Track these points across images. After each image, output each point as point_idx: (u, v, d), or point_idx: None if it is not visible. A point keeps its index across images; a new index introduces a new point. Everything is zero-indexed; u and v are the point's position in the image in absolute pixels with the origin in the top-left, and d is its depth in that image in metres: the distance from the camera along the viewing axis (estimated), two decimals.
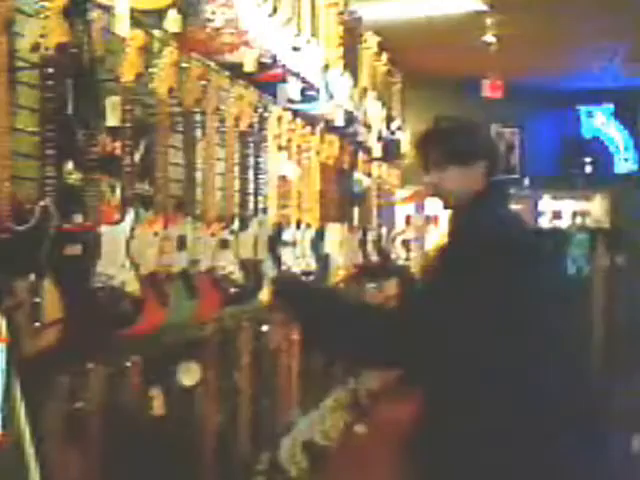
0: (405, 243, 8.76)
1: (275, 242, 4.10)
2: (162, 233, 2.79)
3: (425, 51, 8.99)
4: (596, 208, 12.28)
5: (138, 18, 2.85)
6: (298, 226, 4.48)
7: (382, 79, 7.61)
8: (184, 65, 3.17)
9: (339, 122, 5.46)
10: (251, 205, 3.87)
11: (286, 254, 4.21)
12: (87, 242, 2.32)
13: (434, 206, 10.90)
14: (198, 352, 3.34)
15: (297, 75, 4.39)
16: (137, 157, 3.15)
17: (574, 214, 12.33)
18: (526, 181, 11.58)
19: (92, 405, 2.47)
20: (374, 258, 6.57)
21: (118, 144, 2.73)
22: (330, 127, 5.39)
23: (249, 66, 3.67)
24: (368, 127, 6.45)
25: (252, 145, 3.95)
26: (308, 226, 4.68)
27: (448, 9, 7.53)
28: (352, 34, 6.33)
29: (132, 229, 2.54)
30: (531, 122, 11.40)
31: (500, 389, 2.23)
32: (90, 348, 2.42)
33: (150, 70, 2.89)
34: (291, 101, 4.49)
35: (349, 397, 5.97)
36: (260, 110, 4.01)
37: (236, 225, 3.57)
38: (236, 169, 3.75)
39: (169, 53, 2.96)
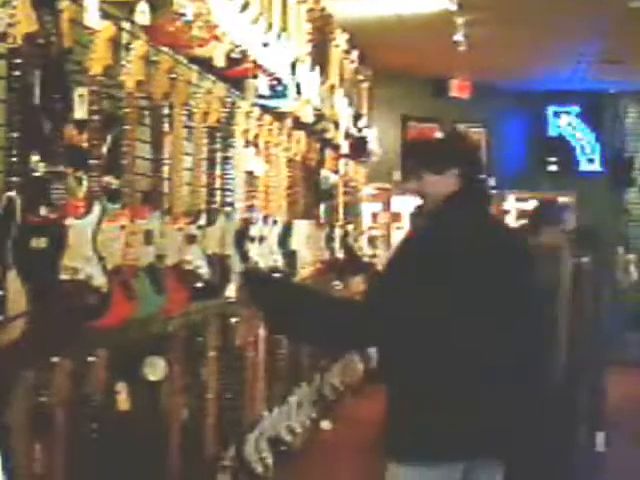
0: (371, 240, 8.78)
1: (242, 237, 4.09)
2: (129, 227, 2.77)
3: (394, 49, 9.01)
4: None
5: (107, 10, 2.83)
6: (265, 222, 4.48)
7: (351, 76, 7.62)
8: (153, 58, 3.15)
9: (307, 119, 5.46)
10: (218, 200, 3.86)
11: (253, 250, 4.20)
12: (53, 235, 2.29)
13: (400, 204, 10.93)
14: (164, 347, 3.32)
15: (266, 71, 4.39)
16: (104, 150, 3.14)
17: None
18: (492, 181, 11.62)
19: (57, 399, 2.45)
20: (341, 255, 6.58)
21: (85, 136, 2.70)
22: (298, 123, 5.38)
23: (219, 61, 3.66)
24: (336, 124, 6.45)
25: (220, 140, 3.94)
26: (275, 222, 4.67)
27: (418, 8, 7.55)
28: (322, 31, 6.33)
29: (99, 222, 2.52)
30: (498, 122, 11.46)
31: (449, 366, 2.60)
32: (56, 342, 2.40)
33: (119, 63, 2.87)
34: (260, 97, 4.49)
35: (315, 393, 5.98)
36: (229, 105, 4.00)
37: (203, 220, 3.55)
38: (204, 164, 3.73)
39: (138, 46, 2.94)
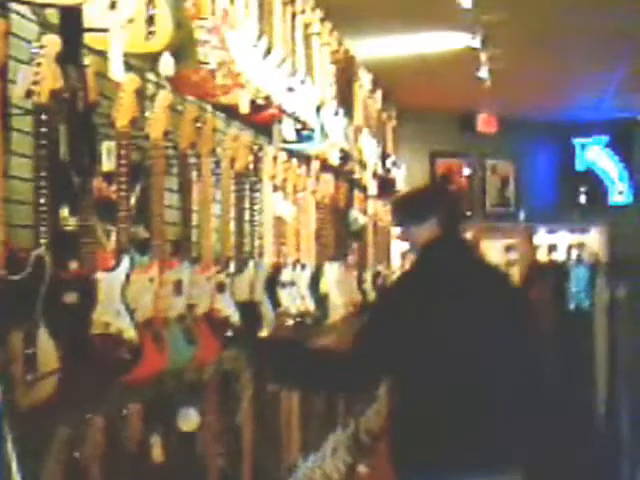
0: None
1: (273, 283, 4.06)
2: (158, 278, 2.76)
3: (419, 87, 9.04)
4: (592, 241, 12.27)
5: (131, 62, 2.84)
6: (295, 266, 4.45)
7: (376, 116, 7.63)
8: (179, 108, 3.15)
9: (334, 161, 5.46)
10: (247, 247, 3.84)
11: (284, 295, 4.18)
12: (83, 289, 2.28)
13: None
14: (197, 397, 3.29)
15: (292, 115, 4.39)
16: (132, 201, 3.14)
17: (570, 247, 12.33)
18: (522, 215, 11.58)
19: (91, 454, 2.42)
20: (373, 296, 6.54)
21: (113, 189, 2.70)
22: (325, 166, 5.38)
23: (243, 107, 3.66)
24: (363, 165, 6.45)
25: (248, 186, 3.94)
26: (304, 266, 4.65)
27: (440, 46, 7.57)
28: (346, 72, 6.35)
29: (128, 275, 2.51)
30: (526, 155, 11.42)
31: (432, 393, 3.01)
32: (88, 398, 2.38)
33: (144, 114, 2.87)
34: (286, 141, 4.49)
35: (350, 438, 5.91)
36: (255, 151, 4.00)
37: (232, 267, 3.53)
38: (232, 210, 3.72)
39: (163, 96, 2.94)
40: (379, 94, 7.69)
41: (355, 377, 3.14)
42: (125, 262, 2.51)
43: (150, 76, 3.05)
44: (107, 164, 2.67)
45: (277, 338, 3.69)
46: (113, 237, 2.66)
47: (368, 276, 6.52)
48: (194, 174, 3.36)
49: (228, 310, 3.43)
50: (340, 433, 5.62)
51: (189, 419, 3.14)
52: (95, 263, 2.43)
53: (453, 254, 3.18)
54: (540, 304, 4.61)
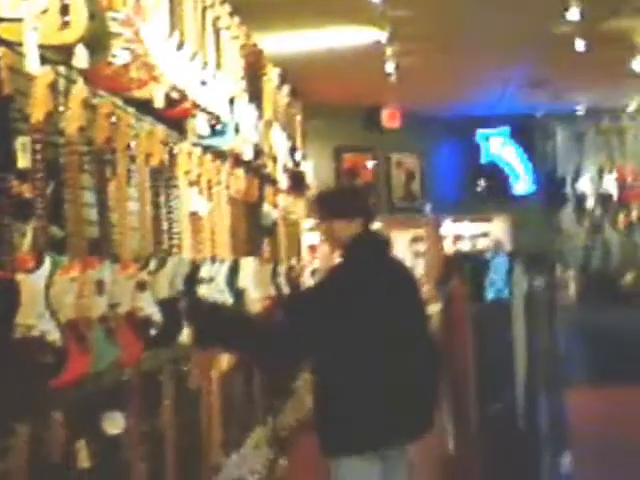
0: (314, 273, 8.72)
1: (192, 279, 3.99)
2: (80, 278, 2.67)
3: (326, 82, 9.05)
4: (496, 230, 12.48)
5: (45, 55, 2.73)
6: (214, 262, 4.39)
7: (284, 110, 7.59)
8: (93, 102, 3.06)
9: (247, 156, 5.40)
10: (166, 244, 3.77)
11: (204, 291, 4.11)
12: (5, 292, 2.19)
13: None
14: (121, 399, 3.20)
15: (205, 110, 4.32)
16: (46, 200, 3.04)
17: (473, 236, 12.52)
18: (427, 207, 11.70)
19: (16, 464, 2.33)
20: (286, 289, 6.50)
21: (27, 187, 2.60)
22: (238, 161, 5.32)
23: (158, 102, 3.58)
24: (274, 159, 6.41)
25: (163, 182, 3.86)
26: (222, 261, 4.59)
27: (349, 41, 7.57)
28: (254, 66, 6.30)
29: (50, 275, 2.42)
30: (431, 150, 11.53)
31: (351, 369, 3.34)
32: (13, 405, 2.28)
33: (59, 109, 2.78)
34: (201, 136, 4.42)
35: (270, 434, 5.87)
36: (170, 146, 3.92)
37: (153, 265, 3.45)
38: (149, 207, 3.64)
39: (78, 90, 2.85)
40: (286, 89, 7.65)
41: (279, 349, 3.48)
42: (47, 263, 2.42)
43: (62, 69, 2.94)
44: (22, 161, 2.56)
45: (211, 303, 3.95)
46: (28, 237, 2.55)
47: (282, 270, 6.47)
48: (109, 171, 3.27)
49: (149, 309, 3.35)
50: (260, 430, 5.57)
51: (115, 422, 3.06)
52: (14, 264, 2.33)
53: (373, 248, 3.56)
54: (459, 295, 4.65)
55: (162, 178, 3.80)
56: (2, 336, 2.19)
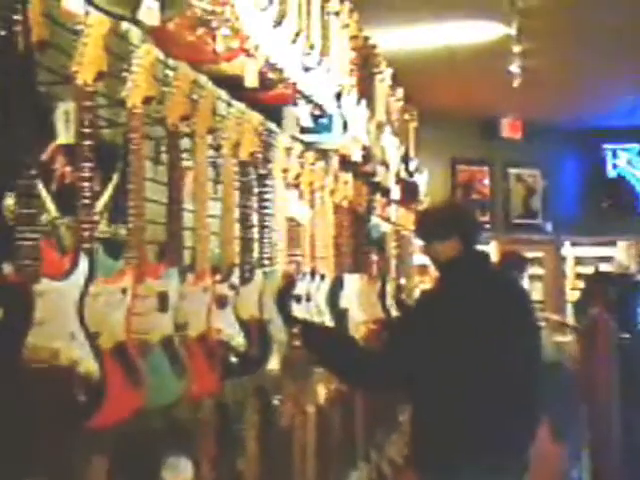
0: None
1: (285, 297, 3.36)
2: (134, 289, 2.06)
3: (442, 86, 8.38)
4: (620, 254, 11.57)
5: (102, 6, 2.15)
6: (312, 277, 3.75)
7: (397, 116, 6.93)
8: (166, 72, 2.47)
9: (356, 157, 4.77)
10: (255, 253, 3.15)
11: (299, 311, 3.48)
12: (14, 303, 1.59)
13: None
14: (189, 441, 2.59)
15: (308, 98, 3.70)
16: (108, 188, 2.47)
17: (596, 259, 11.63)
18: (548, 226, 10.88)
19: None
20: (394, 312, 5.83)
21: (72, 169, 2.02)
22: (345, 164, 4.69)
23: (251, 80, 2.98)
24: (386, 166, 5.75)
25: (255, 180, 3.25)
26: (323, 277, 3.95)
27: (470, 37, 6.88)
28: (366, 62, 5.66)
29: (87, 284, 1.81)
30: (553, 163, 10.71)
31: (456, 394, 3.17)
32: (32, 457, 1.68)
33: (120, 73, 2.19)
34: (302, 129, 3.80)
35: (373, 471, 5.19)
36: (264, 138, 3.31)
37: (236, 278, 2.83)
38: (236, 208, 3.03)
39: (146, 51, 2.25)
40: (400, 92, 6.99)
41: (380, 377, 3.35)
42: (83, 266, 1.81)
43: (128, 26, 2.35)
44: (64, 134, 1.98)
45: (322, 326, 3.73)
46: (63, 231, 1.97)
47: (390, 290, 5.80)
48: (186, 159, 2.68)
49: (229, 330, 2.73)
50: (361, 469, 4.90)
51: (179, 470, 2.44)
52: (39, 267, 1.73)
53: (475, 270, 3.35)
54: (602, 324, 3.93)
55: (254, 174, 3.19)
56: (12, 366, 1.58)
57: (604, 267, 11.65)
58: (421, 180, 7.57)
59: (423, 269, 9.31)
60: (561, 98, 9.11)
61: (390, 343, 3.50)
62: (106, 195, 2.57)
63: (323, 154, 4.29)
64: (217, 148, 2.95)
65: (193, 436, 2.61)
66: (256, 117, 3.22)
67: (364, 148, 4.94)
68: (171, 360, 2.27)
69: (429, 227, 3.45)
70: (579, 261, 11.59)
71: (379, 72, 6.07)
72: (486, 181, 10.36)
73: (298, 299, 3.53)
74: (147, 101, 2.28)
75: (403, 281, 6.47)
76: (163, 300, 2.26)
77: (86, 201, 1.98)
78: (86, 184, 1.98)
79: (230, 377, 2.75)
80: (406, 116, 7.43)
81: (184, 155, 2.68)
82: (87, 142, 1.98)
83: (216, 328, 2.66)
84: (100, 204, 2.55)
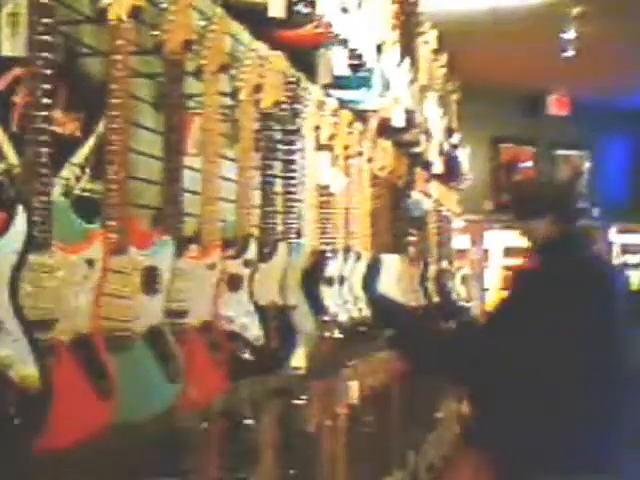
0: (465, 280, 7.41)
1: (314, 279, 2.80)
2: (106, 261, 1.50)
3: (486, 56, 7.76)
4: None
5: None
6: (347, 256, 3.19)
7: (441, 84, 6.33)
8: None
9: (397, 122, 4.18)
10: (276, 225, 2.58)
11: (330, 296, 2.91)
12: None
13: (491, 239, 9.57)
14: (187, 458, 2.03)
15: (345, 43, 3.13)
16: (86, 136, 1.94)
17: None
18: (596, 211, 10.20)
19: None
20: (436, 299, 5.26)
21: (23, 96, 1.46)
22: (385, 129, 4.10)
23: (276, 9, 2.41)
24: (428, 136, 5.16)
25: (280, 136, 2.69)
26: (359, 257, 3.38)
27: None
28: (408, 20, 5.06)
29: (23, 251, 1.25)
30: (602, 144, 10.03)
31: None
32: None
33: None
34: (337, 83, 3.21)
35: (410, 477, 4.63)
36: (292, 85, 2.73)
37: (252, 253, 2.27)
38: (254, 169, 2.46)
39: None
40: (444, 58, 6.39)
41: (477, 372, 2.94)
42: (18, 224, 1.25)
43: None
44: (8, 44, 1.42)
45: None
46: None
47: (431, 274, 5.23)
48: (189, 102, 2.13)
49: (243, 319, 2.17)
50: (396, 476, 4.34)
51: None
52: None
53: (572, 252, 3.08)
54: None
55: (278, 128, 2.63)
56: None
57: None
58: (463, 156, 6.97)
59: (461, 253, 8.76)
60: (615, 72, 8.43)
61: (487, 327, 3.17)
62: (88, 144, 2.05)
63: (360, 115, 3.71)
64: (233, 94, 2.38)
65: (190, 454, 2.05)
66: (282, 59, 2.63)
67: (407, 112, 4.35)
68: (160, 358, 1.71)
69: (523, 203, 3.23)
70: (625, 249, 10.95)
71: (422, 32, 5.48)
72: (530, 162, 9.71)
73: (329, 282, 2.96)
74: (134, 14, 1.71)
75: (444, 264, 5.89)
76: (151, 278, 1.70)
77: (38, 137, 1.42)
78: (39, 114, 1.42)
79: (242, 377, 2.19)
80: (449, 86, 6.83)
81: (189, 98, 2.13)
82: (43, 54, 1.43)
83: (226, 316, 2.10)
84: (81, 155, 2.04)
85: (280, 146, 2.71)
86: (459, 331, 4.24)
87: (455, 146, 6.35)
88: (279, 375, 2.49)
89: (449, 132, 6.27)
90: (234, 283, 2.16)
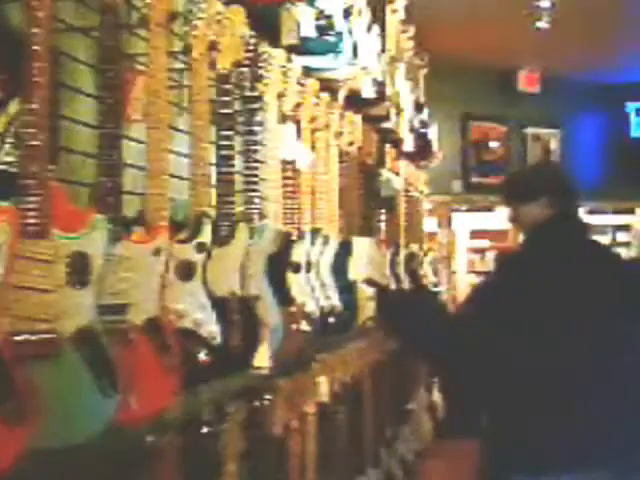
0: (433, 264, 7.13)
1: (279, 265, 2.49)
2: (12, 245, 1.18)
3: (455, 28, 7.45)
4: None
5: None
6: (314, 239, 2.88)
7: (409, 58, 6.02)
8: None
9: (367, 94, 3.86)
10: (237, 203, 2.27)
11: (296, 284, 2.60)
12: None
13: (460, 221, 9.31)
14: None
15: (312, 2, 2.80)
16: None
17: (615, 228, 10.78)
18: None
19: None
20: (406, 284, 4.96)
21: None
22: (353, 102, 3.79)
23: None
24: (399, 110, 4.85)
25: (239, 104, 2.37)
26: (327, 240, 3.07)
27: None
28: None
29: None
30: (573, 122, 9.78)
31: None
32: None
33: None
34: (303, 41, 2.88)
35: (382, 476, 4.35)
36: (253, 45, 2.41)
37: (207, 235, 1.95)
38: (207, 138, 2.14)
39: None
40: (412, 30, 6.07)
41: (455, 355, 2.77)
42: None
43: None
44: None
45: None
46: None
47: (401, 259, 4.93)
48: (133, 61, 1.80)
49: (197, 313, 1.86)
50: (370, 475, 4.04)
51: None
52: None
53: (565, 236, 2.88)
54: None
55: (236, 92, 2.31)
56: None
57: (621, 236, 10.85)
58: (432, 134, 6.68)
59: (432, 236, 8.48)
60: (587, 46, 8.18)
61: (462, 315, 2.97)
62: (11, 108, 1.73)
63: (328, 85, 3.39)
64: (184, 51, 2.06)
65: (141, 474, 1.73)
66: (241, 13, 2.30)
67: (376, 84, 4.04)
68: (93, 366, 1.39)
69: (513, 188, 3.08)
70: (595, 229, 10.74)
71: (391, 0, 5.16)
72: (499, 141, 9.43)
73: (296, 268, 2.65)
74: None
75: (414, 248, 5.59)
76: (80, 267, 1.38)
77: None
78: None
79: (198, 382, 1.87)
80: (417, 60, 6.52)
81: (130, 54, 1.81)
82: None
83: (176, 310, 1.79)
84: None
85: (239, 116, 2.39)
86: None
87: (424, 123, 6.05)
88: (240, 376, 2.18)
89: (418, 108, 5.97)
90: (185, 271, 1.84)
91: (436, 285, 6.88)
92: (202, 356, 1.83)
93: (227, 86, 2.22)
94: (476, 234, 9.77)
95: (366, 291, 3.32)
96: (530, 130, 9.52)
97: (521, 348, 2.65)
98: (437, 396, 6.71)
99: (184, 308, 1.81)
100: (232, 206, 2.19)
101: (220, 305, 1.94)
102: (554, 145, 9.71)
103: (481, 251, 9.74)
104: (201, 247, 1.89)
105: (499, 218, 8.59)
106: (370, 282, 2.96)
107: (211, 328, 1.86)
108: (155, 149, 1.81)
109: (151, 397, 1.58)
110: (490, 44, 7.94)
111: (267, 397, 2.54)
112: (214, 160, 2.19)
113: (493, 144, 9.20)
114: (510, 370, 2.68)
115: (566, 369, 2.67)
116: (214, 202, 2.17)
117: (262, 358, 2.23)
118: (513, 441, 2.69)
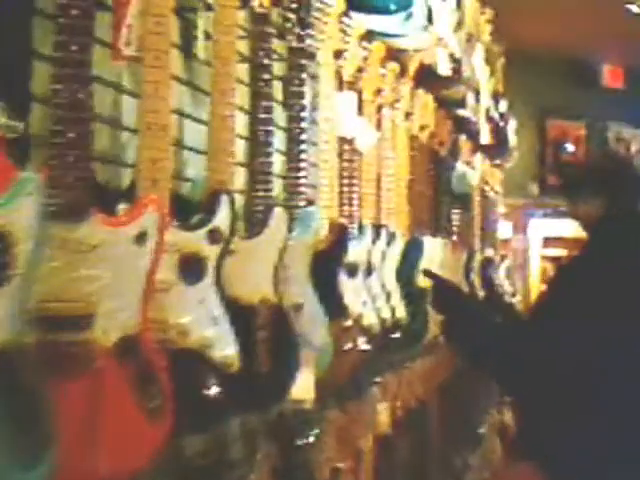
0: (509, 272, 6.53)
1: (330, 265, 1.95)
2: None
3: (535, 18, 6.85)
4: None
5: None
6: (376, 235, 2.34)
7: (487, 44, 5.45)
8: None
9: (442, 70, 3.31)
10: (273, 187, 1.73)
11: (351, 290, 2.06)
12: None
13: (536, 227, 8.76)
14: None
15: None
16: None
17: None
18: None
19: None
20: (481, 293, 4.40)
21: None
22: (427, 77, 3.24)
23: None
24: (477, 94, 4.28)
25: (283, 65, 1.85)
26: (392, 237, 2.53)
27: None
28: None
29: None
30: None
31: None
32: None
33: None
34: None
35: None
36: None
37: (225, 218, 1.41)
38: (239, 106, 1.62)
39: None
40: (490, 13, 5.50)
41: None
42: None
43: None
44: None
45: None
46: None
47: (476, 264, 4.36)
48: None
49: (206, 329, 1.32)
50: None
51: None
52: None
53: (628, 235, 2.71)
54: None
55: (278, 46, 1.78)
56: None
57: None
58: (511, 129, 6.09)
59: (505, 243, 7.91)
60: None
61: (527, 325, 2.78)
62: None
63: (395, 55, 2.85)
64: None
65: None
66: None
67: (453, 61, 3.49)
68: (9, 412, 0.86)
69: (572, 182, 2.99)
70: None
71: None
72: (578, 139, 8.80)
73: (352, 270, 2.11)
74: None
75: (489, 252, 5.03)
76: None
77: None
78: None
79: (204, 428, 1.34)
80: (495, 47, 5.95)
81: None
82: None
83: (175, 324, 1.26)
84: None
85: (281, 72, 1.87)
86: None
87: (503, 115, 5.46)
88: (271, 413, 1.64)
89: (496, 97, 5.39)
90: (191, 269, 1.31)
91: (513, 295, 6.31)
92: (212, 392, 1.29)
93: (265, 29, 1.69)
94: (549, 241, 9.22)
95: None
96: (612, 129, 8.88)
97: (590, 360, 2.40)
98: (509, 416, 6.19)
99: (188, 321, 1.28)
100: (267, 186, 1.66)
101: (243, 317, 1.41)
102: (636, 147, 9.06)
103: (557, 260, 9.16)
104: (215, 236, 1.36)
105: (575, 224, 7.98)
106: (429, 274, 2.51)
107: (226, 351, 1.32)
108: (153, 93, 1.29)
109: (119, 456, 1.04)
110: (572, 32, 7.36)
111: (312, 433, 2.00)
112: (247, 127, 1.68)
113: (570, 146, 8.56)
114: (576, 386, 2.41)
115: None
116: (243, 181, 1.65)
117: (304, 388, 1.69)
118: (582, 458, 2.38)
